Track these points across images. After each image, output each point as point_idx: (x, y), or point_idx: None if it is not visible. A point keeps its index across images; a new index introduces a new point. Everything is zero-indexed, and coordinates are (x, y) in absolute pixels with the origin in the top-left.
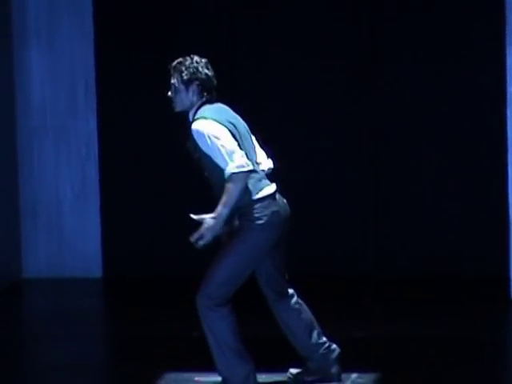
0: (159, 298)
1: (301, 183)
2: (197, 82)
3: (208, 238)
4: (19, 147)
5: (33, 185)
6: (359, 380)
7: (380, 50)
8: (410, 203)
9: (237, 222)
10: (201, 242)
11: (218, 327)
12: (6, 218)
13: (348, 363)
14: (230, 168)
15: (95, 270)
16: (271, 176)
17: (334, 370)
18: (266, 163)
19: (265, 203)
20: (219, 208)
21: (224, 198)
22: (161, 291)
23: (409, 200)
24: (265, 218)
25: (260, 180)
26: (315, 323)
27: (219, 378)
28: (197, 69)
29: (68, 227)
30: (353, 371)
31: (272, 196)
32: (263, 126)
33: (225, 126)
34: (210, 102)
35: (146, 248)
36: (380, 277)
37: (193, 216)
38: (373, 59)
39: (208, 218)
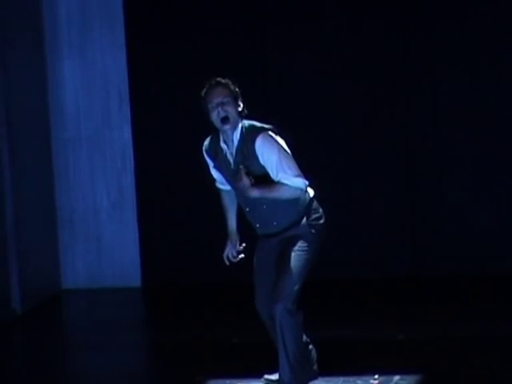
0: (199, 306)
1: (338, 187)
2: (241, 98)
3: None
4: (54, 159)
5: (69, 196)
6: (402, 382)
7: (413, 61)
8: (448, 204)
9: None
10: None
11: (293, 334)
12: (44, 230)
13: (390, 365)
14: (301, 180)
15: (134, 279)
16: None
17: (316, 367)
18: None
19: (316, 202)
20: (263, 188)
21: (271, 190)
22: (200, 299)
23: (446, 201)
24: (323, 218)
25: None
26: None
27: None
28: (237, 86)
29: (106, 237)
30: (395, 373)
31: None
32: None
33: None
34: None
35: (185, 256)
36: (419, 278)
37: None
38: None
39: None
